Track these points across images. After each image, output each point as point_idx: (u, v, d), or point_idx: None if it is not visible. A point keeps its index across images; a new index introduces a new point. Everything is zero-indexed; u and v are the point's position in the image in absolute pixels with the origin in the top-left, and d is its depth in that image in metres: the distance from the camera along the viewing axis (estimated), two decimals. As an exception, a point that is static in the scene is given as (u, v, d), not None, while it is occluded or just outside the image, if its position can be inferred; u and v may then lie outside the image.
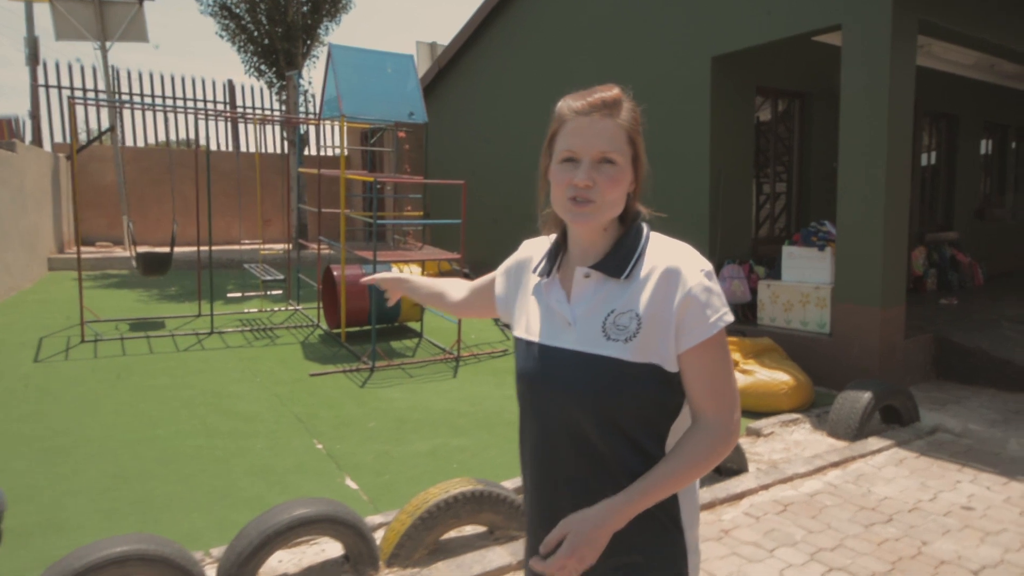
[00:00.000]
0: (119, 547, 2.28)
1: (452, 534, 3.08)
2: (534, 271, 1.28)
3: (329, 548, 2.91)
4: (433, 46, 14.23)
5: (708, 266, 1.13)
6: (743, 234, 6.74)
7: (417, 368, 5.81)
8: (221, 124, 13.65)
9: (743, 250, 6.72)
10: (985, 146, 9.85)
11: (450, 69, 10.33)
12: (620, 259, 1.14)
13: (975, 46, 6.04)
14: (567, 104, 1.16)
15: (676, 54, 6.60)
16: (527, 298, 1.27)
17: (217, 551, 2.83)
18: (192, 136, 14.80)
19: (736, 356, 5.11)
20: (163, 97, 13.09)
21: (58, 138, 13.28)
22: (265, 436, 4.24)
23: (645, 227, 1.19)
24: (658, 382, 1.09)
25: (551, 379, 1.14)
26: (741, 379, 4.96)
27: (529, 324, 1.24)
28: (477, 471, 3.82)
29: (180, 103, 12.48)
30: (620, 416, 1.09)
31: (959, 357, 5.54)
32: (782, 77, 6.98)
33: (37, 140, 12.36)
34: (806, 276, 5.81)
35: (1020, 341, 5.66)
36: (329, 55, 6.14)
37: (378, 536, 3.01)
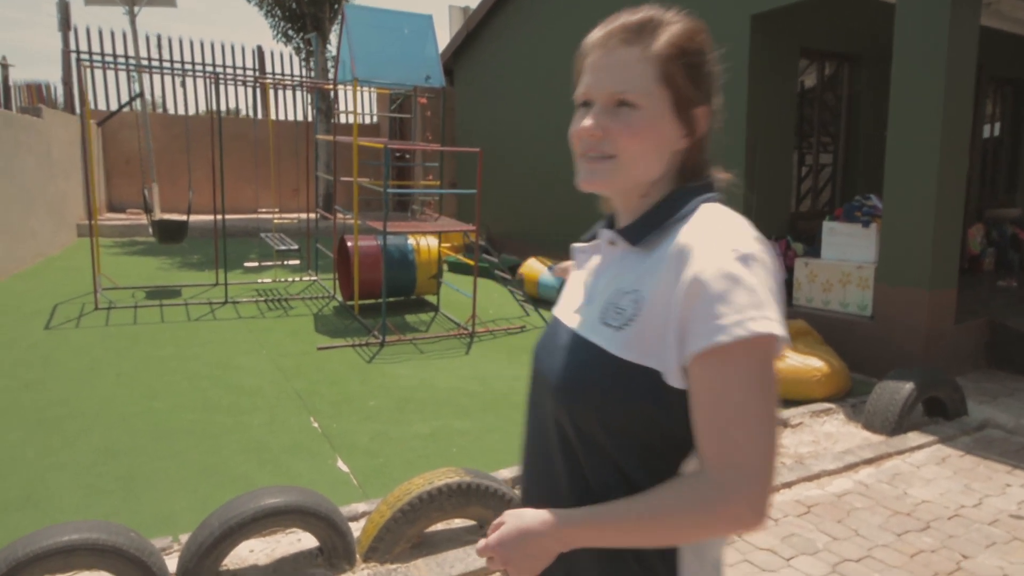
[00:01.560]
0: (67, 535, 2.12)
1: (440, 527, 2.87)
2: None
3: (306, 538, 2.73)
4: (466, 10, 13.80)
5: (750, 249, 0.78)
6: (781, 208, 6.29)
7: (429, 344, 5.60)
8: (252, 91, 13.54)
9: (780, 225, 6.27)
10: (1056, 115, 9.03)
11: (480, 32, 9.94)
12: (646, 225, 0.89)
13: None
14: (592, 34, 0.94)
15: (712, 10, 6.11)
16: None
17: (186, 537, 2.67)
18: (231, 104, 14.75)
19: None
20: (192, 63, 13.03)
21: (92, 104, 13.38)
22: (263, 412, 4.09)
23: (700, 197, 0.88)
24: (652, 395, 0.80)
25: (542, 359, 0.95)
26: (770, 364, 4.60)
27: (561, 297, 1.04)
28: (476, 457, 3.60)
29: (207, 69, 12.37)
30: (598, 425, 0.84)
31: (1015, 344, 5.06)
32: (829, 38, 6.43)
33: (69, 107, 12.47)
34: (848, 254, 5.37)
35: (1087, 329, 5.13)
36: (343, 15, 5.86)
37: (360, 524, 2.82)
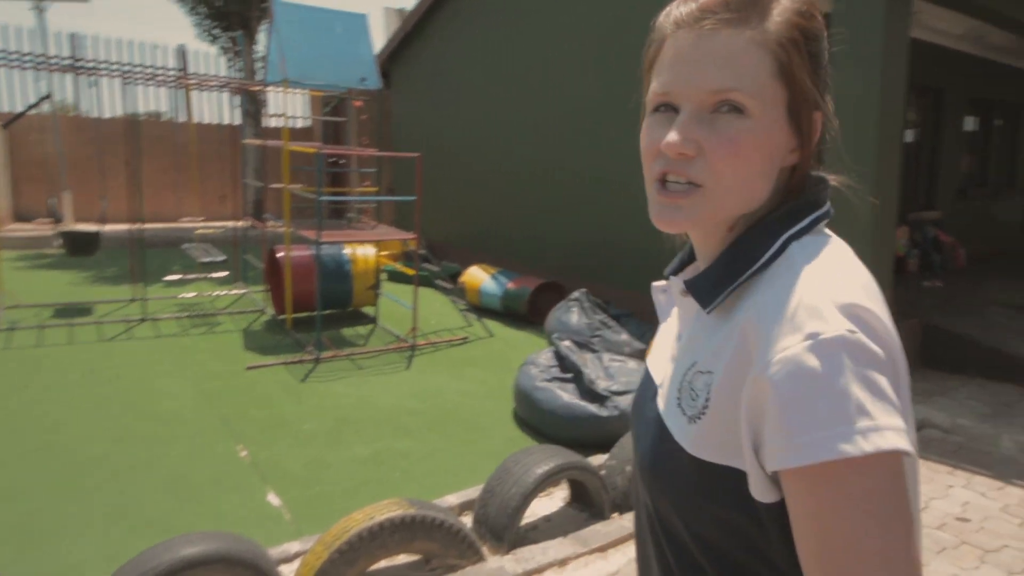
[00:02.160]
0: None
1: (383, 564, 2.64)
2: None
3: (231, 586, 2.45)
4: (402, 12, 13.51)
5: (835, 330, 0.56)
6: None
7: (367, 359, 5.33)
8: (173, 93, 12.83)
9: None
10: (969, 123, 9.54)
11: (417, 33, 9.71)
12: (716, 278, 0.68)
13: (969, 10, 5.64)
14: (671, 7, 0.70)
15: (662, 5, 6.09)
16: None
17: (90, 595, 2.36)
18: (151, 106, 13.93)
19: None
20: (108, 63, 12.21)
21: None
22: (184, 441, 3.75)
23: (789, 230, 0.66)
24: (738, 502, 0.62)
25: (636, 425, 0.78)
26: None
27: (654, 343, 0.85)
28: (420, 481, 3.39)
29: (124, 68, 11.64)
30: (683, 529, 0.68)
31: (946, 345, 5.22)
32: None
33: (-30, 109, 11.49)
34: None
35: (1010, 327, 5.35)
36: (271, 12, 5.54)
37: (294, 567, 2.56)
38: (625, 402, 3.87)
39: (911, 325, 5.26)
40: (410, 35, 9.78)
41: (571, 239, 7.20)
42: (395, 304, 6.81)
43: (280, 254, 5.79)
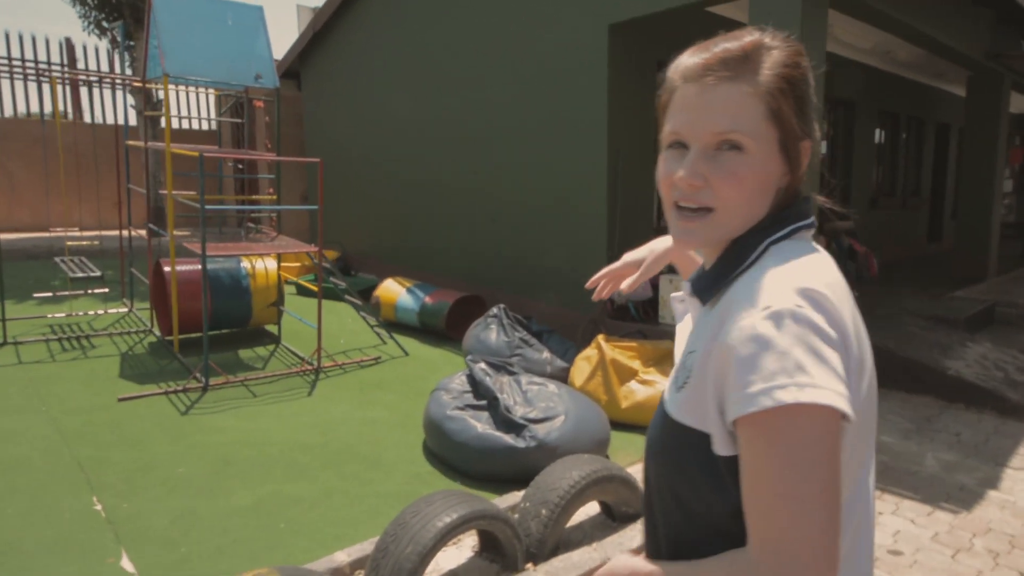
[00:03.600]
0: None
1: (248, 648, 2.19)
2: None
3: None
4: (315, 10, 12.87)
5: (784, 304, 0.69)
6: (643, 222, 6.15)
7: (264, 384, 4.81)
8: (65, 90, 11.72)
9: (643, 241, 6.12)
10: (878, 135, 9.86)
11: (329, 33, 9.17)
12: (712, 278, 0.84)
13: (881, 23, 5.69)
14: (679, 63, 0.85)
15: (572, 20, 5.87)
16: None
17: None
18: (22, 107, 12.70)
19: (636, 364, 4.47)
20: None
21: None
22: (23, 495, 3.16)
23: (771, 236, 0.81)
24: (706, 462, 0.76)
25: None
26: (640, 391, 4.33)
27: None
28: (310, 533, 2.94)
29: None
30: (669, 493, 0.83)
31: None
32: (681, 51, 6.41)
33: None
34: (710, 271, 5.27)
35: (925, 338, 5.38)
36: (149, 1, 4.95)
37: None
38: (544, 431, 3.55)
39: (832, 337, 5.20)
40: (321, 34, 9.24)
41: (494, 251, 6.88)
42: (298, 323, 6.28)
43: (166, 268, 5.18)
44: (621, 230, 5.80)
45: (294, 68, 9.96)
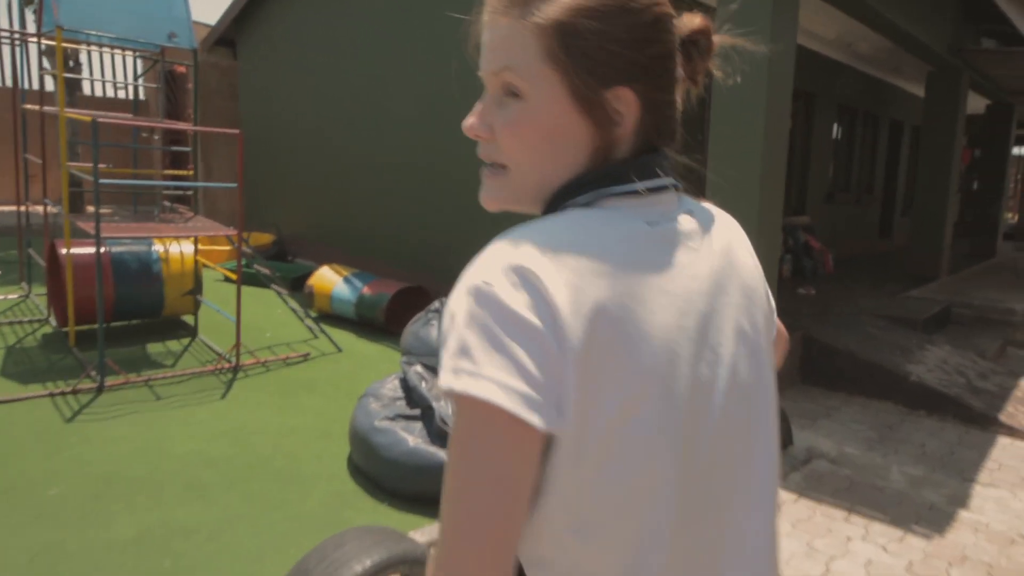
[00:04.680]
0: None
1: None
2: None
3: None
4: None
5: (486, 278, 0.58)
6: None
7: (171, 385, 4.25)
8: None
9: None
10: (836, 129, 9.75)
11: (266, -1, 8.46)
12: None
13: (849, 7, 5.44)
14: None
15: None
16: None
17: None
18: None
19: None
20: None
21: None
22: None
23: (573, 199, 0.68)
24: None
25: None
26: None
27: None
28: (202, 573, 2.47)
29: None
30: None
31: (825, 359, 4.96)
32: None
33: None
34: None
35: (885, 340, 5.20)
36: (43, -61, 4.27)
37: None
38: (484, 445, 3.14)
39: (794, 339, 4.95)
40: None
41: (440, 237, 6.41)
42: (217, 314, 5.70)
43: (62, 250, 4.54)
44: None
45: (229, 35, 9.22)
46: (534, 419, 0.55)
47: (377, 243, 7.13)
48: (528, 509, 0.58)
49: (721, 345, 0.66)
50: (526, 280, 0.57)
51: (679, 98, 0.71)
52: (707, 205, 0.76)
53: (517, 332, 0.56)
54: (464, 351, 0.56)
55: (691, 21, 0.71)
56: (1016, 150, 12.26)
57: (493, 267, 0.59)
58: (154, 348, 4.91)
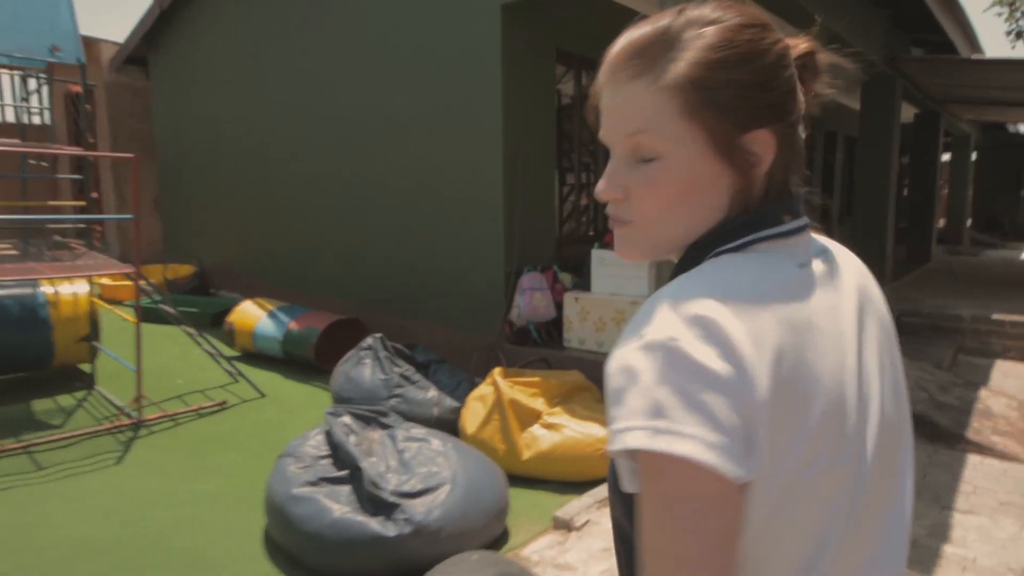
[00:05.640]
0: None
1: None
2: None
3: None
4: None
5: (664, 334, 0.59)
6: (546, 233, 5.45)
7: (58, 449, 3.65)
8: None
9: (547, 252, 5.43)
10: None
11: (180, 12, 7.88)
12: None
13: (789, 16, 5.32)
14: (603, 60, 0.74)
15: (461, 1, 5.08)
16: None
17: None
18: None
19: (539, 403, 3.73)
20: None
21: None
22: None
23: (716, 249, 0.68)
24: (620, 495, 0.66)
25: None
26: (545, 437, 3.58)
27: None
28: None
29: None
30: (617, 524, 0.73)
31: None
32: (586, 42, 5.81)
33: None
34: (621, 288, 4.64)
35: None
36: None
37: None
38: (424, 509, 2.71)
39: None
40: (170, 13, 7.94)
41: (376, 266, 5.95)
42: (116, 363, 5.07)
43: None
44: (521, 239, 5.06)
45: (140, 52, 8.56)
46: (739, 471, 0.55)
47: (310, 272, 6.61)
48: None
49: (870, 384, 0.66)
50: (710, 332, 0.58)
51: (802, 127, 0.71)
52: (828, 241, 0.75)
53: (712, 387, 0.56)
54: (659, 411, 0.56)
55: (797, 46, 0.72)
56: (942, 157, 12.66)
57: (672, 321, 0.59)
58: (41, 405, 4.26)
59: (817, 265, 0.68)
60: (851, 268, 0.73)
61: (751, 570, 0.60)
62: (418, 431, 3.24)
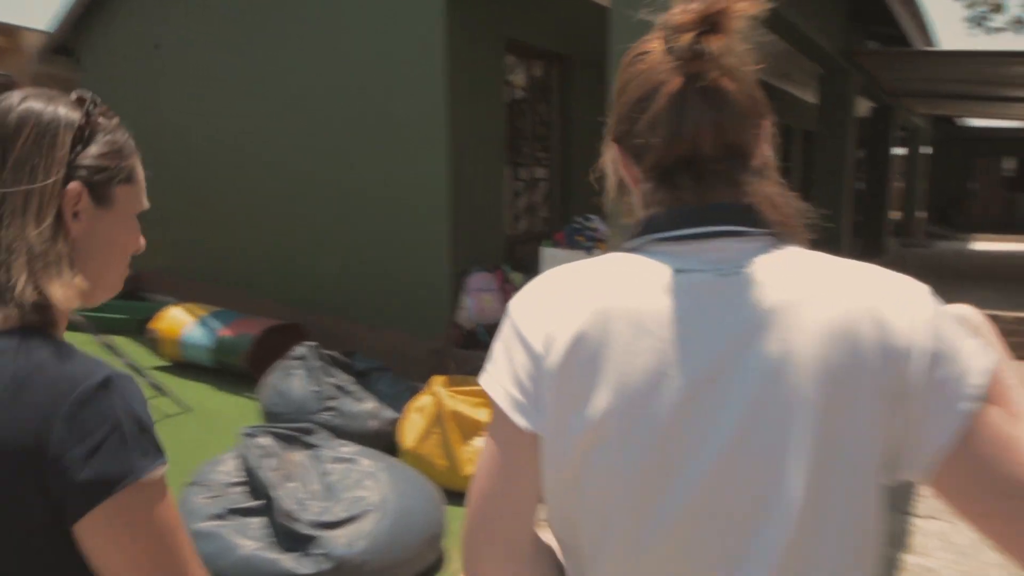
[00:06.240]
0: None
1: None
2: None
3: None
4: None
5: (510, 304, 0.77)
6: (495, 232, 5.19)
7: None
8: None
9: (496, 251, 5.18)
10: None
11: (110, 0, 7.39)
12: None
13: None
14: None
15: (399, -15, 4.79)
16: None
17: None
18: None
19: (482, 415, 3.47)
20: None
21: None
22: None
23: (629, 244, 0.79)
24: None
25: None
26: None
27: None
28: None
29: None
30: None
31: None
32: (537, 33, 5.56)
33: None
34: (572, 288, 4.41)
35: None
36: None
37: None
38: (345, 541, 2.43)
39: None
40: (101, 1, 7.44)
41: (316, 268, 5.62)
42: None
43: None
44: (467, 240, 4.80)
45: (69, 42, 8.03)
46: (523, 423, 0.68)
47: (250, 275, 6.24)
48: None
49: (725, 407, 0.63)
50: (532, 308, 0.72)
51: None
52: (798, 257, 0.69)
53: (522, 351, 0.70)
54: (491, 359, 0.74)
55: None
56: (895, 150, 12.80)
57: (521, 295, 0.75)
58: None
59: (706, 276, 0.66)
60: (789, 289, 0.65)
61: (569, 522, 0.70)
62: (348, 449, 2.96)
